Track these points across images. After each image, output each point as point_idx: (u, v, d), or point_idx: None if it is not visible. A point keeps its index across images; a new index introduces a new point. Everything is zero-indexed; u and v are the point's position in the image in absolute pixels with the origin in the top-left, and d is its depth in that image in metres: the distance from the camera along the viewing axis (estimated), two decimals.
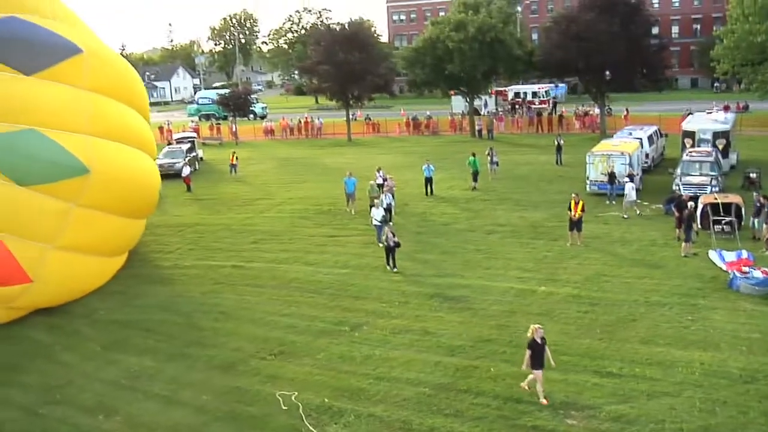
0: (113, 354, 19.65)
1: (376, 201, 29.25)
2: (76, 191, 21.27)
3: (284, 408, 15.93)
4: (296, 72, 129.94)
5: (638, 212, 31.07)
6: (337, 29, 64.80)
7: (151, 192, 25.60)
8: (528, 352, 15.27)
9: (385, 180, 34.92)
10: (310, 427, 15.04)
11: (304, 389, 16.70)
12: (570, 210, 27.05)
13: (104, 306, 23.21)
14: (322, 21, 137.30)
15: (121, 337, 20.82)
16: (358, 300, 22.55)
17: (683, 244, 25.31)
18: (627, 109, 62.96)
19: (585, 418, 14.66)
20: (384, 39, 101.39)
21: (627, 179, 32.49)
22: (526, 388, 15.74)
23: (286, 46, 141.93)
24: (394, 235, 24.86)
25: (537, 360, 15.23)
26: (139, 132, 25.01)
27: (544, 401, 15.31)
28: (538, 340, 15.21)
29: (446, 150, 54.14)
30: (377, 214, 28.23)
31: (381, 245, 27.25)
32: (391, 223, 28.23)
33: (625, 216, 30.63)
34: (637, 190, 33.69)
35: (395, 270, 24.76)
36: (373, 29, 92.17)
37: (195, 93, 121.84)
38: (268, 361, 18.46)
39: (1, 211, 19.99)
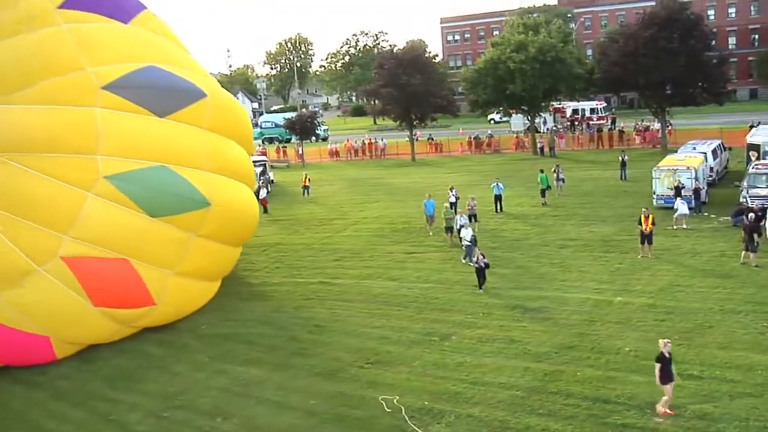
0: (221, 364, 21.19)
1: (463, 222, 30.45)
2: (197, 222, 23.16)
3: (387, 410, 17.21)
4: (354, 93, 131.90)
5: (674, 227, 31.54)
6: (400, 53, 66.34)
7: (253, 222, 27.45)
8: (658, 366, 15.71)
9: (457, 199, 36.18)
10: (415, 428, 16.30)
11: (404, 394, 17.99)
12: (640, 224, 27.93)
13: (206, 321, 24.84)
14: (378, 43, 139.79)
15: (226, 349, 22.40)
16: (443, 312, 23.81)
17: (750, 254, 25.91)
18: (671, 123, 61.00)
19: (671, 416, 15.67)
20: (438, 59, 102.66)
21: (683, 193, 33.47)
22: (666, 411, 15.68)
23: (342, 69, 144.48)
24: (484, 257, 25.72)
25: (666, 374, 15.65)
26: (245, 166, 26.90)
27: (665, 411, 15.74)
28: (666, 354, 15.71)
29: (510, 168, 54.99)
30: (467, 234, 29.14)
31: (463, 262, 28.59)
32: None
33: (685, 226, 31.32)
34: (703, 203, 34.50)
35: (480, 290, 25.48)
36: (428, 50, 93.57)
37: (255, 117, 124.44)
38: (367, 369, 19.81)
39: (134, 239, 21.91)
